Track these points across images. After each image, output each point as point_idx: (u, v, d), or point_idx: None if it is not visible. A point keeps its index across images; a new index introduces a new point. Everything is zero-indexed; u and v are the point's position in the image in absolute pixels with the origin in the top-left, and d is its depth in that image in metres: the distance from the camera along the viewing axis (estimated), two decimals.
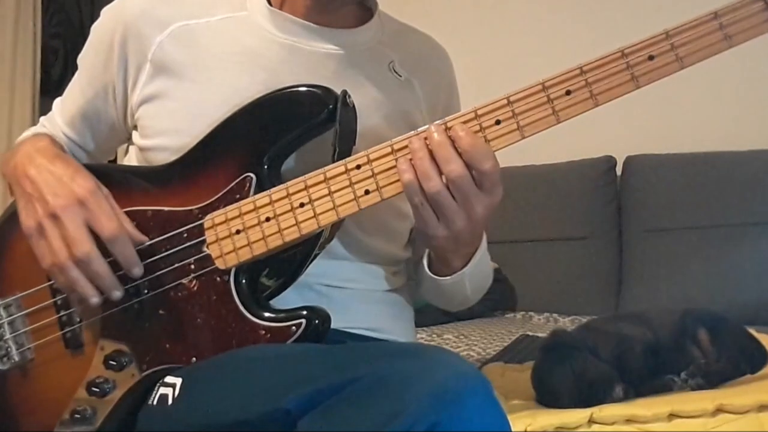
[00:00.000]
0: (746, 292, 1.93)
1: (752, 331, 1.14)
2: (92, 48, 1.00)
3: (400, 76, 1.00)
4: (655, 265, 2.14)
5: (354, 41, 0.97)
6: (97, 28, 1.00)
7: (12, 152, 0.95)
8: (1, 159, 0.97)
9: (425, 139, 0.79)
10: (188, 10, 0.96)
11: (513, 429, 0.67)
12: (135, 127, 0.98)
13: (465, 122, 0.79)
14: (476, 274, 0.94)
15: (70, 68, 1.02)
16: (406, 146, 0.80)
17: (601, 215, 2.30)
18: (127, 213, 0.89)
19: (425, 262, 0.95)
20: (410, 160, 0.79)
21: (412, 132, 0.80)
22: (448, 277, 0.93)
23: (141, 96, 0.95)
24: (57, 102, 1.07)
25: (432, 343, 1.82)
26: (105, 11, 0.99)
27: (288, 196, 0.83)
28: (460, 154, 0.77)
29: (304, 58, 0.94)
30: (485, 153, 0.77)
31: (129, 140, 1.02)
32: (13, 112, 3.27)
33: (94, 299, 0.86)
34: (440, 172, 0.78)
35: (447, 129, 0.79)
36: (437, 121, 0.80)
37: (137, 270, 0.86)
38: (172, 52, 0.94)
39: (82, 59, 1.02)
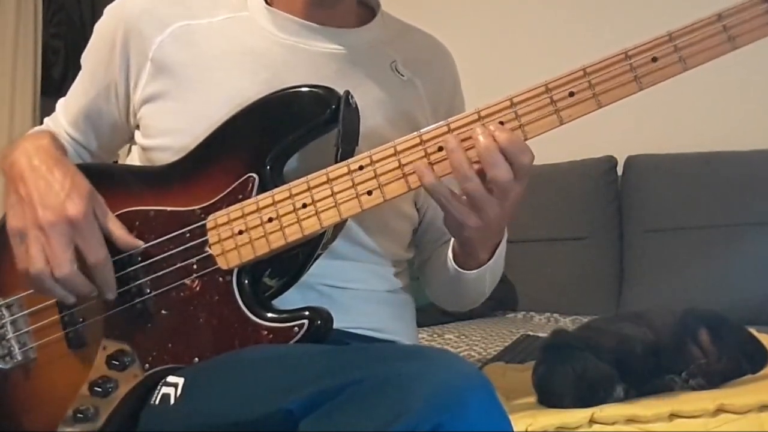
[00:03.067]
0: (747, 292, 1.93)
1: (753, 331, 1.14)
2: (94, 47, 1.00)
3: (403, 76, 1.00)
4: (656, 265, 2.14)
5: (356, 41, 0.97)
6: (99, 27, 1.00)
7: (11, 147, 0.94)
8: (0, 153, 0.96)
9: (462, 139, 0.79)
10: (189, 10, 0.96)
11: (514, 429, 0.67)
12: (137, 127, 0.98)
13: (468, 123, 0.79)
14: (496, 267, 0.95)
15: (71, 68, 1.03)
16: (409, 147, 0.80)
17: (602, 215, 2.30)
18: (129, 213, 0.89)
19: (450, 256, 0.95)
20: (429, 162, 0.79)
21: (415, 133, 0.81)
22: (473, 271, 0.93)
23: (143, 95, 0.95)
24: (60, 102, 1.07)
25: (433, 342, 1.83)
26: (107, 10, 0.99)
27: (291, 196, 0.83)
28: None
29: (305, 58, 0.94)
30: (523, 147, 0.78)
31: (132, 140, 1.02)
32: (13, 111, 3.27)
33: (70, 300, 0.88)
34: (474, 170, 0.78)
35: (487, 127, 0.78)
36: (440, 122, 0.80)
37: (111, 295, 0.88)
38: (172, 52, 0.94)
39: (84, 58, 1.02)
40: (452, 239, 0.94)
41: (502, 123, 0.79)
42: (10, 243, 0.93)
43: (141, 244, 0.88)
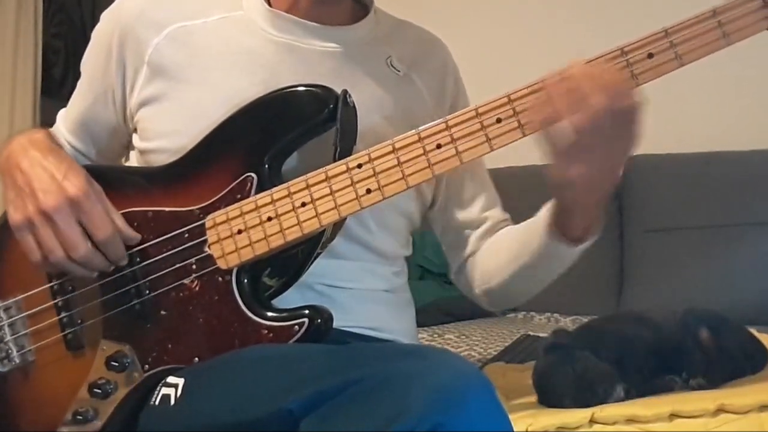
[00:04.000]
0: (747, 292, 1.93)
1: (753, 331, 1.14)
2: (92, 52, 1.01)
3: (399, 71, 1.00)
4: (656, 265, 2.14)
5: (351, 38, 0.98)
6: (96, 33, 1.01)
7: (5, 143, 0.94)
8: None
9: (560, 76, 0.77)
10: (184, 11, 0.96)
11: (514, 429, 0.67)
12: (135, 130, 0.98)
13: (466, 120, 0.79)
14: (575, 255, 0.93)
15: (72, 68, 1.03)
16: (407, 144, 0.80)
17: (602, 215, 2.30)
18: (128, 214, 0.89)
19: (543, 226, 0.91)
20: (546, 97, 0.77)
21: (413, 130, 0.80)
22: (567, 246, 0.90)
23: (139, 99, 0.96)
24: (61, 113, 1.07)
25: (433, 343, 1.82)
26: (103, 15, 1.00)
27: (289, 195, 0.83)
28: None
29: (301, 56, 0.94)
30: (628, 89, 0.76)
31: (131, 145, 1.02)
32: (14, 111, 3.26)
33: (92, 275, 0.88)
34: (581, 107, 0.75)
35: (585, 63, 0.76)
36: (438, 120, 0.80)
37: (123, 262, 0.88)
38: (169, 54, 0.94)
39: (83, 65, 1.02)
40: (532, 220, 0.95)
41: (499, 120, 0.78)
42: (7, 244, 0.93)
43: (139, 237, 0.88)
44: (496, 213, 1.08)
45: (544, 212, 0.93)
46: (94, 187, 0.88)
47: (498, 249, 1.03)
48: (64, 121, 1.05)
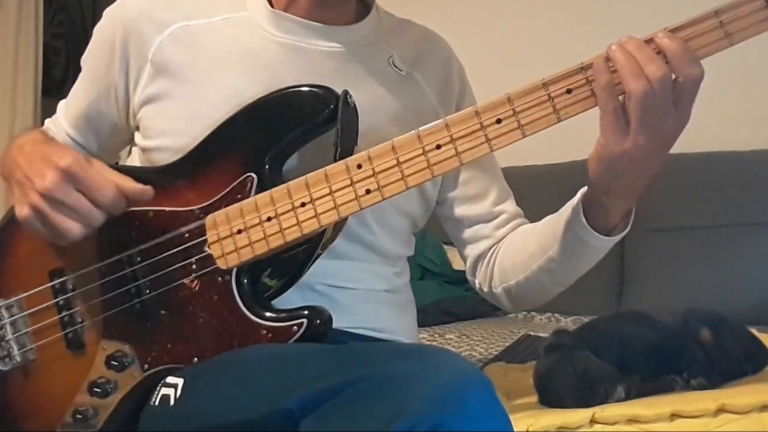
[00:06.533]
0: (748, 292, 1.93)
1: (754, 331, 1.14)
2: (94, 49, 1.01)
3: (401, 70, 1.00)
4: (657, 265, 2.14)
5: (353, 37, 0.98)
6: (98, 30, 1.01)
7: (8, 148, 0.93)
8: None
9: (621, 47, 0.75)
10: (188, 10, 0.96)
11: (515, 429, 0.67)
12: (137, 128, 0.99)
13: (466, 120, 0.79)
14: (603, 249, 0.92)
15: (72, 68, 1.03)
16: (406, 145, 0.80)
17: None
18: (128, 214, 0.89)
19: (578, 215, 0.90)
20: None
21: (413, 131, 0.80)
22: (601, 235, 0.89)
23: (142, 97, 0.96)
24: (61, 104, 1.07)
25: (434, 343, 1.82)
26: (106, 12, 1.00)
27: (289, 195, 0.83)
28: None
29: (304, 56, 0.94)
30: (694, 57, 0.74)
31: (132, 141, 1.02)
32: (15, 112, 3.27)
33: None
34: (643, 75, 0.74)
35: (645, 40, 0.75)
36: (438, 121, 0.80)
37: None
38: (172, 52, 0.94)
39: (84, 61, 1.02)
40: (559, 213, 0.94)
41: (499, 120, 0.78)
42: (9, 243, 0.93)
43: (150, 190, 0.85)
44: (509, 206, 1.07)
45: (575, 203, 0.91)
46: (84, 155, 0.85)
47: (519, 244, 1.01)
48: (65, 114, 1.05)
